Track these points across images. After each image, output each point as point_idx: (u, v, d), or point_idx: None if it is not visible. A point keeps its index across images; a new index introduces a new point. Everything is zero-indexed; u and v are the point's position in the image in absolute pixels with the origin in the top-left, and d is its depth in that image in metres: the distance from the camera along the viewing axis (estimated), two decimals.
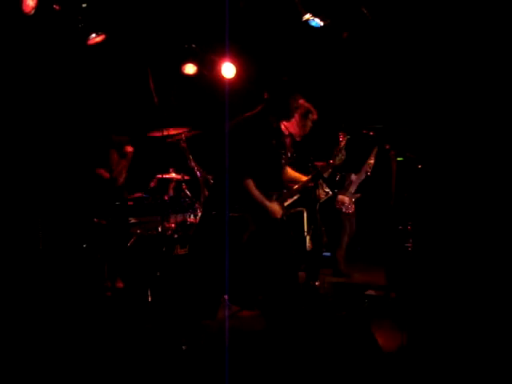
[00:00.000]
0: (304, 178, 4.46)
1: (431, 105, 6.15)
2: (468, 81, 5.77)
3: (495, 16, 5.24)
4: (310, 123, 5.35)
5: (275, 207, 4.07)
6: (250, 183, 3.94)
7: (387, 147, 5.40)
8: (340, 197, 6.38)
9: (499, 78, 5.60)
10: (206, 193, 5.36)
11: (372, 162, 6.12)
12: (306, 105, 5.38)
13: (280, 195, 4.20)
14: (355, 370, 3.47)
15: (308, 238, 5.11)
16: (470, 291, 4.94)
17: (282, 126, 5.32)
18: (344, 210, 6.37)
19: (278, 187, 4.21)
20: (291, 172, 4.49)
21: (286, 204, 5.04)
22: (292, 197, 4.36)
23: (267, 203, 4.03)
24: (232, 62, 6.35)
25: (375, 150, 6.04)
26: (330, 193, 5.43)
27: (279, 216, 4.09)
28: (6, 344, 4.08)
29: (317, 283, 5.71)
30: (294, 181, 4.44)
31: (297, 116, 5.35)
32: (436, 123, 6.12)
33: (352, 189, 6.41)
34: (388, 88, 6.49)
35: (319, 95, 5.89)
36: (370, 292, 5.72)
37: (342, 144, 5.42)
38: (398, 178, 5.38)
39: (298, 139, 5.30)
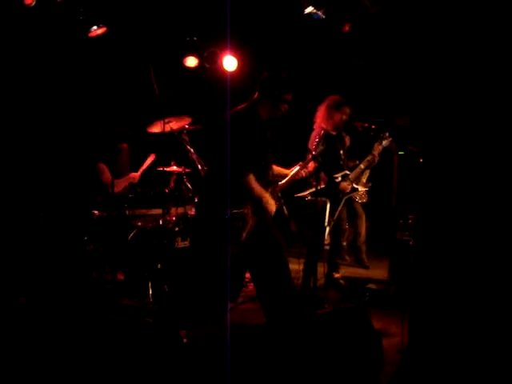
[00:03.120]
0: (287, 172, 4.46)
1: (433, 98, 6.13)
2: (471, 75, 5.75)
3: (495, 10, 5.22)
4: (344, 117, 5.33)
5: (271, 201, 4.11)
6: (252, 178, 3.96)
7: (390, 147, 5.40)
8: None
9: (503, 70, 5.57)
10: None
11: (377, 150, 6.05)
12: (340, 99, 5.38)
13: (274, 189, 4.22)
14: (355, 363, 3.47)
15: (328, 229, 5.10)
16: (473, 285, 4.93)
17: (316, 123, 5.34)
18: (358, 199, 6.30)
19: (269, 180, 4.24)
20: (275, 167, 4.48)
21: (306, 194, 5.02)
22: (281, 190, 4.35)
23: (267, 197, 4.07)
24: (233, 55, 6.34)
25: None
26: (359, 188, 5.41)
27: (274, 209, 4.12)
28: (6, 335, 4.09)
29: (337, 275, 5.74)
30: (280, 175, 4.45)
31: (327, 109, 5.35)
32: (438, 117, 6.10)
33: (364, 178, 6.36)
34: (390, 82, 6.47)
35: (320, 88, 5.88)
36: (371, 286, 5.74)
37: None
38: (399, 171, 5.38)
39: (333, 133, 5.31)
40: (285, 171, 4.47)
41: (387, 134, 5.39)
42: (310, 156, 4.44)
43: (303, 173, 4.43)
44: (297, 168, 4.40)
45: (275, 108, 4.14)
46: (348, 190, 5.28)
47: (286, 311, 4.06)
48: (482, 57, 5.37)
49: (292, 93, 4.18)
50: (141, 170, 5.92)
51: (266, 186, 4.12)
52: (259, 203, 4.04)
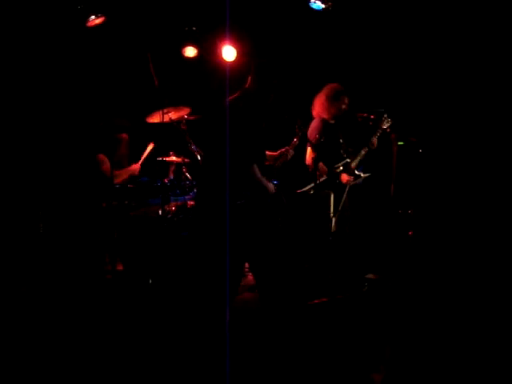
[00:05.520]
0: (274, 154, 4.48)
1: (433, 89, 6.12)
2: (470, 67, 5.74)
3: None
4: (343, 106, 5.36)
5: (272, 188, 4.13)
6: (257, 168, 3.97)
7: (388, 131, 5.41)
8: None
9: (503, 63, 5.56)
10: None
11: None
12: (339, 88, 5.39)
13: (268, 175, 4.24)
14: (353, 352, 3.48)
15: (334, 220, 5.12)
16: (470, 273, 4.94)
17: (314, 112, 5.34)
18: None
19: (265, 166, 4.25)
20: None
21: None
22: (275, 175, 4.36)
23: (271, 187, 4.08)
24: (233, 45, 6.30)
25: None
26: (362, 175, 5.42)
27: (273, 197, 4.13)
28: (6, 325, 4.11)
29: (339, 264, 5.74)
30: (269, 158, 4.47)
31: (326, 99, 5.37)
32: (437, 107, 6.09)
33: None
34: (390, 72, 6.45)
35: (321, 78, 5.86)
36: (370, 276, 5.74)
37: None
38: (398, 162, 5.38)
39: (331, 122, 5.33)
40: (272, 154, 4.49)
41: (386, 115, 5.40)
42: (309, 145, 4.45)
43: (291, 153, 4.43)
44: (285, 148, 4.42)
45: (269, 96, 4.15)
46: (351, 180, 5.29)
47: (285, 302, 4.07)
48: (483, 48, 5.34)
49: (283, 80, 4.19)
50: (141, 160, 5.90)
51: (262, 173, 4.13)
52: (262, 193, 4.04)
